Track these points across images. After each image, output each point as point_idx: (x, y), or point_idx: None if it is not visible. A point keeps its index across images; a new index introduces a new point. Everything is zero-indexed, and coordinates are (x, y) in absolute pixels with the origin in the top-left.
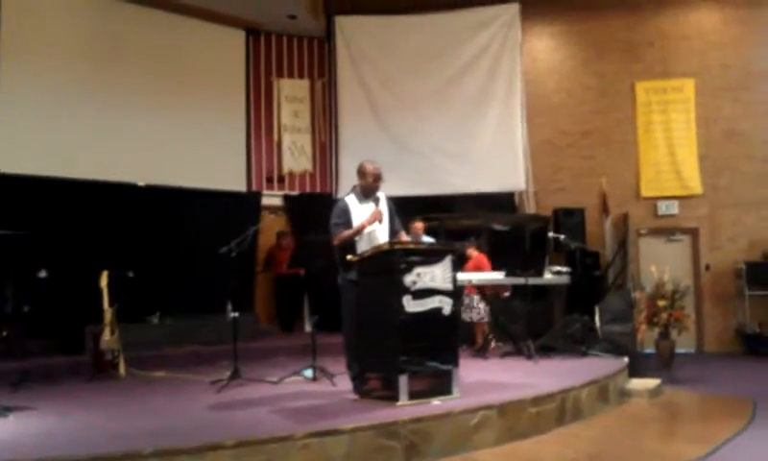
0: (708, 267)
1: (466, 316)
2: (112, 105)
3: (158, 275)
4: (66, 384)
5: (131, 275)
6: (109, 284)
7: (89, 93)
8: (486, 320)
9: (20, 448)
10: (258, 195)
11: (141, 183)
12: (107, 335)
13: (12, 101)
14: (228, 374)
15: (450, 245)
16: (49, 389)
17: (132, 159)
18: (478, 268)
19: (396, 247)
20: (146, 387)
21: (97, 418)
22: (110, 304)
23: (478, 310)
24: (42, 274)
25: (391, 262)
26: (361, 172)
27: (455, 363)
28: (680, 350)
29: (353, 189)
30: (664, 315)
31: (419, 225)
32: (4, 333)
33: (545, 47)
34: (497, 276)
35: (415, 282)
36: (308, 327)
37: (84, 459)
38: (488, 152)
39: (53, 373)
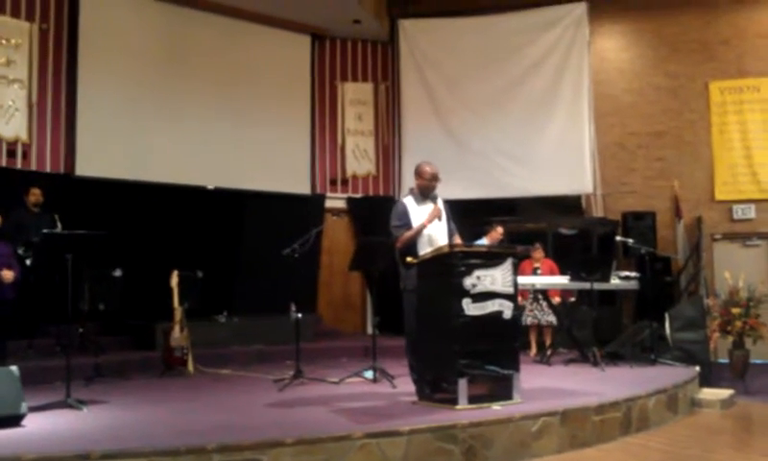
0: None
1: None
2: (183, 110)
3: (226, 275)
4: (137, 379)
5: (200, 275)
6: (180, 284)
7: (161, 99)
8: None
9: (93, 439)
10: (322, 197)
11: (210, 186)
12: (176, 333)
13: (90, 108)
14: (290, 373)
15: (511, 248)
16: (121, 384)
17: (201, 163)
18: (553, 273)
19: (456, 249)
20: (212, 384)
21: (165, 413)
22: (180, 303)
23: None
24: (117, 273)
25: (450, 265)
26: (418, 173)
27: (516, 368)
28: (755, 360)
29: (410, 191)
30: (738, 323)
31: (499, 229)
32: (80, 330)
33: (614, 46)
34: (561, 280)
35: (474, 285)
36: (370, 329)
37: (151, 453)
38: (553, 154)
39: (125, 368)
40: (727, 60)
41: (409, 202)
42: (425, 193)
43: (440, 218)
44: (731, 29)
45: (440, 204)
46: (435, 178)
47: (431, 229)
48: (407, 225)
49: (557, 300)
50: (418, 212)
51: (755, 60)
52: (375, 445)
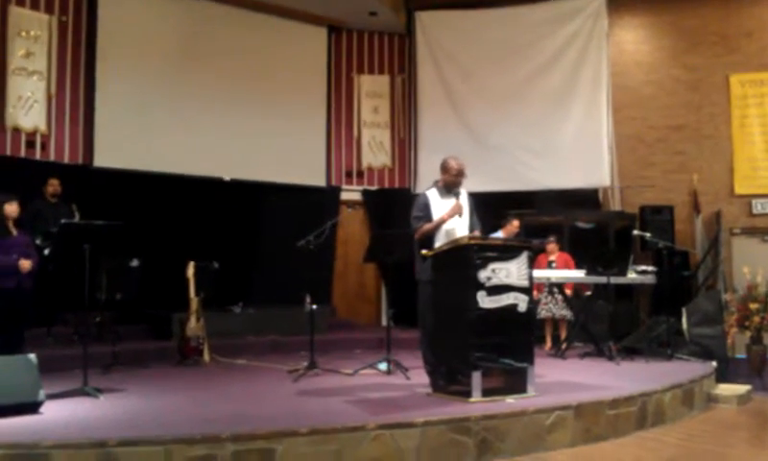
0: None
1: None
2: (199, 102)
3: (242, 266)
4: (154, 368)
5: (216, 266)
6: (196, 274)
7: (178, 91)
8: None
9: (109, 427)
10: (337, 190)
11: (227, 178)
12: (192, 323)
13: (108, 100)
14: (305, 364)
15: (526, 241)
16: (138, 372)
17: (217, 155)
18: (568, 266)
19: (471, 242)
20: (227, 373)
21: (180, 401)
22: (196, 293)
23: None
24: (134, 263)
25: (465, 257)
26: (444, 167)
27: (530, 361)
28: None
29: (435, 184)
30: (756, 318)
31: (515, 223)
32: (97, 319)
33: (633, 38)
34: (578, 274)
35: (489, 278)
36: (384, 321)
37: (166, 441)
38: (571, 147)
39: (142, 357)
40: (748, 53)
41: (432, 195)
42: (450, 188)
43: (460, 214)
44: (752, 21)
45: (463, 199)
46: (461, 173)
47: (451, 223)
48: (427, 217)
49: (568, 292)
50: (440, 206)
51: None
52: (389, 436)
